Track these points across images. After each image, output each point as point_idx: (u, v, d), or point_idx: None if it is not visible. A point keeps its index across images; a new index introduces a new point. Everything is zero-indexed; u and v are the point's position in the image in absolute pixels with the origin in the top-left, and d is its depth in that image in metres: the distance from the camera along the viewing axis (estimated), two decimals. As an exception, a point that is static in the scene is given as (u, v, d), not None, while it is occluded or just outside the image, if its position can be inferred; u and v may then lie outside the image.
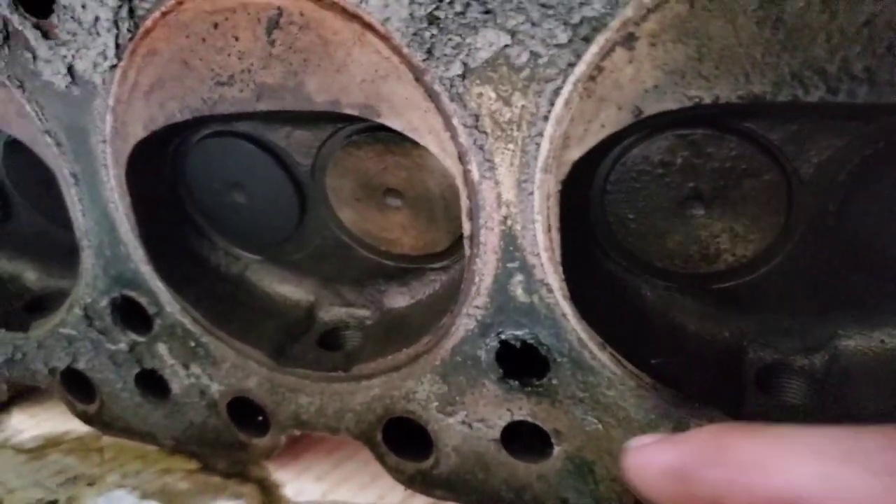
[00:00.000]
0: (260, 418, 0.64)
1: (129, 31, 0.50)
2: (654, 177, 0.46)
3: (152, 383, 0.66)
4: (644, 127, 0.44)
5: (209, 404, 0.65)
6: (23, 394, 0.78)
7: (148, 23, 0.49)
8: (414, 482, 0.59)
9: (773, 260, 0.47)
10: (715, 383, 0.49)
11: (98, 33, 0.51)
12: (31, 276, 0.78)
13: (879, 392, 0.46)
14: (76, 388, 0.71)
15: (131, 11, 0.49)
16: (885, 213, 0.43)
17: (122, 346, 0.66)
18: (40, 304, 0.75)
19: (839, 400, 0.47)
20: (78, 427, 0.74)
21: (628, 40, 0.39)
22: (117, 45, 0.51)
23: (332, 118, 0.51)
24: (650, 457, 0.37)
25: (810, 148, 0.43)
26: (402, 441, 0.58)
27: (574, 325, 0.47)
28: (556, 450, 0.52)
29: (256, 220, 0.60)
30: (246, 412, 0.64)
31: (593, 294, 0.48)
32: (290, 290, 0.64)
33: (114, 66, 0.52)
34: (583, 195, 0.48)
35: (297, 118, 0.53)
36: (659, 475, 0.36)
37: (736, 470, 0.33)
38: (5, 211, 0.75)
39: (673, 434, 0.40)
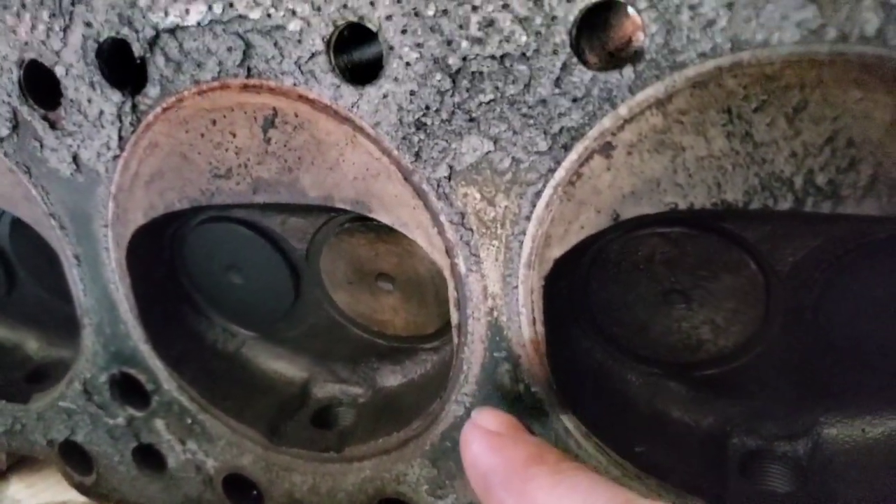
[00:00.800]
0: (255, 493, 0.64)
1: (131, 124, 0.52)
2: (636, 271, 0.47)
3: (149, 457, 0.67)
4: (623, 227, 0.45)
5: (205, 479, 0.65)
6: (21, 463, 0.79)
7: (150, 117, 0.51)
8: (405, 562, 0.59)
9: (754, 350, 0.49)
10: (698, 471, 0.49)
11: (102, 126, 0.53)
12: (32, 345, 0.79)
13: (861, 482, 0.47)
14: (74, 459, 0.72)
15: (134, 107, 0.51)
16: (860, 308, 0.44)
17: (120, 420, 0.67)
18: (41, 374, 0.76)
19: (822, 488, 0.48)
20: (75, 497, 0.74)
21: (606, 149, 0.40)
22: (120, 137, 0.53)
23: (326, 208, 0.53)
24: (475, 445, 0.39)
25: (786, 247, 0.44)
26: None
27: (560, 414, 0.48)
28: (545, 534, 0.53)
29: (253, 299, 0.61)
30: (241, 488, 0.64)
31: (579, 383, 0.49)
32: (284, 366, 0.65)
33: (116, 157, 0.54)
34: (567, 286, 0.49)
35: (293, 207, 0.55)
36: (472, 465, 0.39)
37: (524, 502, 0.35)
38: (10, 282, 0.77)
39: (510, 427, 0.40)
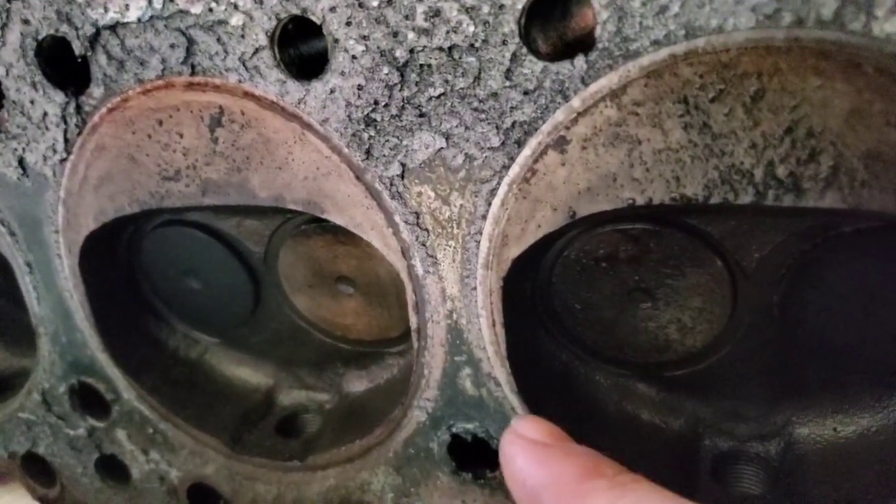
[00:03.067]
0: (221, 503, 0.63)
1: (76, 126, 0.50)
2: (598, 270, 0.46)
3: (112, 468, 0.65)
4: (582, 224, 0.44)
5: (169, 490, 0.63)
6: (-16, 476, 0.77)
7: (95, 119, 0.49)
8: (374, 571, 0.57)
9: (723, 349, 0.47)
10: (668, 473, 0.48)
11: (47, 128, 0.51)
12: (-6, 355, 0.77)
13: (833, 481, 0.45)
14: (37, 472, 0.70)
15: (78, 108, 0.49)
16: (827, 304, 0.43)
17: (82, 431, 0.65)
18: (4, 385, 0.74)
19: (794, 488, 0.46)
20: (40, 510, 0.72)
21: (560, 144, 0.39)
22: (66, 140, 0.51)
23: (281, 210, 0.51)
24: (519, 458, 0.35)
25: (751, 243, 0.43)
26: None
27: (523, 418, 0.46)
28: (513, 542, 0.51)
29: (213, 304, 0.60)
30: (207, 497, 0.63)
31: (543, 385, 0.48)
32: (248, 373, 0.63)
33: (64, 160, 0.52)
34: (529, 286, 0.48)
35: (247, 209, 0.53)
36: (517, 480, 0.35)
37: None
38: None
39: (555, 437, 0.36)
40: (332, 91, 0.42)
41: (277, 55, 0.42)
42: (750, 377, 0.48)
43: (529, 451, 0.35)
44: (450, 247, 0.44)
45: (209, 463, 0.60)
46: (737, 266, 0.44)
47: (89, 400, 0.63)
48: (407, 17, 0.38)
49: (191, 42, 0.43)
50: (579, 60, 0.36)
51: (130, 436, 0.63)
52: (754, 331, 0.46)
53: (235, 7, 0.41)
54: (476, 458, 0.50)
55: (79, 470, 0.67)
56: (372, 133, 0.42)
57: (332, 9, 0.39)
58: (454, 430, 0.49)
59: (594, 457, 0.35)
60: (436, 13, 0.38)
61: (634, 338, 0.48)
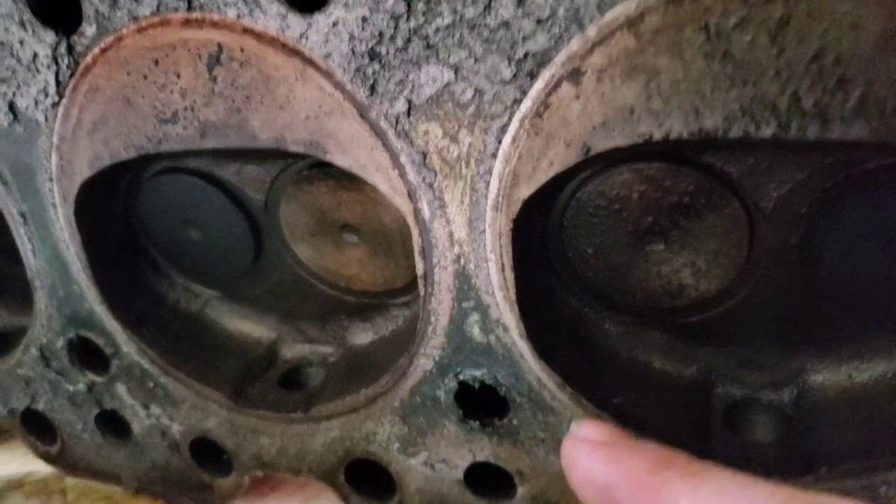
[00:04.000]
0: (224, 458, 0.62)
1: (68, 67, 0.48)
2: (612, 212, 0.44)
3: (113, 424, 0.65)
4: (596, 162, 0.42)
5: (171, 445, 0.63)
6: (-16, 434, 0.76)
7: (88, 59, 0.47)
8: (380, 523, 0.57)
9: (738, 294, 0.46)
10: (681, 421, 0.47)
11: (38, 70, 0.49)
12: (-8, 313, 0.76)
13: (848, 428, 0.45)
14: (37, 428, 0.69)
15: (70, 48, 0.47)
16: (848, 246, 0.42)
17: (81, 386, 0.64)
18: (2, 342, 0.73)
19: (807, 436, 0.46)
20: (41, 468, 0.72)
21: (574, 75, 0.37)
22: (58, 82, 0.49)
23: (282, 153, 0.50)
24: (585, 459, 0.36)
25: (770, 181, 0.41)
26: (366, 481, 0.57)
27: (532, 364, 0.45)
28: (520, 490, 0.50)
29: (213, 255, 0.58)
30: (210, 452, 0.62)
31: (552, 332, 0.47)
32: (250, 326, 0.62)
33: (56, 104, 0.50)
34: (539, 230, 0.47)
35: (247, 154, 0.52)
36: (587, 482, 0.35)
37: None
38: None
39: (618, 436, 0.37)
40: (334, 24, 0.40)
41: (277, -14, 0.40)
42: (764, 324, 0.47)
43: (595, 451, 0.36)
44: (458, 188, 0.42)
45: (211, 417, 0.59)
46: (755, 207, 0.42)
47: (88, 354, 0.62)
48: (414, -59, 0.36)
49: (186, -26, 0.42)
50: (596, -15, 0.35)
51: (131, 390, 0.62)
52: (771, 275, 0.44)
53: (233, -66, 0.39)
54: (483, 406, 0.49)
55: (79, 426, 0.66)
56: (376, 67, 0.40)
57: (335, -67, 0.37)
58: (461, 377, 0.48)
59: (663, 449, 0.35)
60: (444, -64, 0.36)
61: (647, 283, 0.47)
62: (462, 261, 0.44)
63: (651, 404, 0.48)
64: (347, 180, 0.50)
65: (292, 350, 0.61)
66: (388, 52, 0.40)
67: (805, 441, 0.45)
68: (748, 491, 0.30)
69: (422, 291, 0.47)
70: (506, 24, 0.37)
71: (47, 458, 0.70)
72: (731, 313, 0.47)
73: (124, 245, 0.59)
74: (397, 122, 0.41)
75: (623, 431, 0.38)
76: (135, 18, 0.44)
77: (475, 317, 0.46)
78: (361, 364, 0.57)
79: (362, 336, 0.59)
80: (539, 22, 0.36)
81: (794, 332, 0.47)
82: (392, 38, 0.39)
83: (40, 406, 0.67)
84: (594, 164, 0.43)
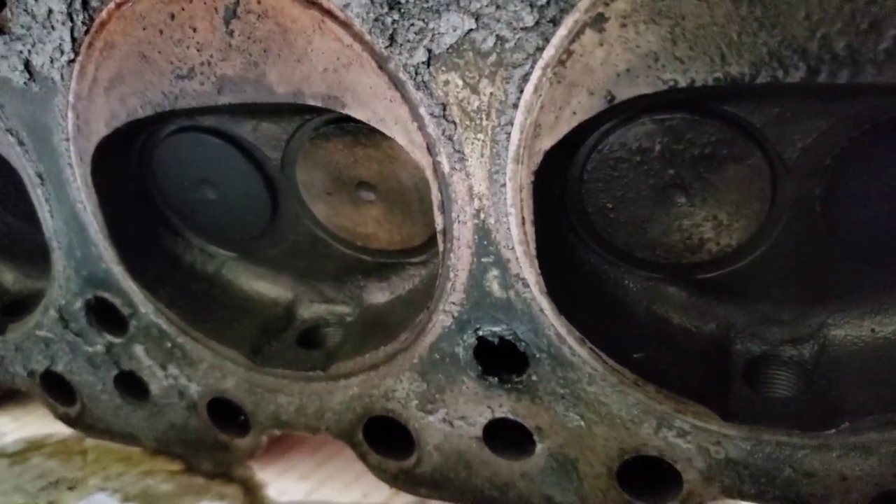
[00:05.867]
0: (242, 418, 0.62)
1: (83, 23, 0.48)
2: (633, 164, 0.44)
3: (131, 385, 0.65)
4: (619, 113, 0.42)
5: (189, 405, 0.63)
6: (5, 397, 0.77)
7: (103, 15, 0.47)
8: (397, 480, 0.57)
9: (759, 248, 0.45)
10: (700, 377, 0.47)
11: (53, 27, 0.49)
12: (8, 277, 0.76)
13: (870, 382, 0.44)
14: (57, 390, 0.70)
15: (85, 3, 0.47)
16: (872, 197, 0.41)
17: (99, 347, 0.64)
18: (19, 306, 0.73)
19: (828, 391, 0.46)
20: (61, 430, 0.72)
21: (598, 21, 0.36)
22: (73, 39, 0.49)
23: (299, 110, 0.49)
24: None
25: (794, 131, 0.41)
26: (384, 439, 0.57)
27: (552, 320, 0.45)
28: (539, 447, 0.51)
29: (229, 216, 0.58)
30: (228, 412, 0.62)
31: (572, 288, 0.46)
32: (267, 287, 0.62)
33: (71, 61, 0.50)
34: (559, 186, 0.46)
35: (263, 111, 0.51)
36: None
37: None
38: (-22, 211, 0.74)
39: None
40: (353, -29, 0.39)
41: (295, -67, 0.39)
42: (785, 279, 0.47)
43: None
44: (478, 140, 0.42)
45: (229, 376, 0.59)
46: (778, 158, 0.42)
47: (106, 315, 0.62)
48: None
49: (202, -78, 0.41)
50: (621, -75, 0.34)
51: (148, 351, 0.62)
52: (793, 228, 0.44)
53: None
54: (502, 362, 0.49)
55: (98, 387, 0.67)
56: (396, 17, 0.40)
57: None
58: (480, 332, 0.48)
59: None
60: None
61: (667, 237, 0.46)
62: (482, 215, 0.44)
63: (670, 360, 0.48)
64: (364, 136, 0.50)
65: (309, 310, 0.61)
66: (407, 1, 0.39)
67: (826, 395, 0.45)
68: None
69: (441, 247, 0.46)
70: (528, -31, 0.36)
71: (66, 419, 0.71)
72: (752, 268, 0.47)
73: (140, 206, 0.59)
74: (417, 73, 0.41)
75: None
76: (150, -29, 0.44)
77: (495, 272, 0.46)
78: (379, 323, 0.57)
79: (379, 295, 0.59)
80: (562, -34, 0.36)
81: (815, 287, 0.47)
82: (412, -15, 0.39)
83: (59, 368, 0.68)
84: (616, 114, 0.42)
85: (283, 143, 0.53)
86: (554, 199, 0.46)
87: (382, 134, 0.45)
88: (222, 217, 0.58)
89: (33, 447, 0.72)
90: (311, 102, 0.45)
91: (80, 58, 0.50)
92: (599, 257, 0.49)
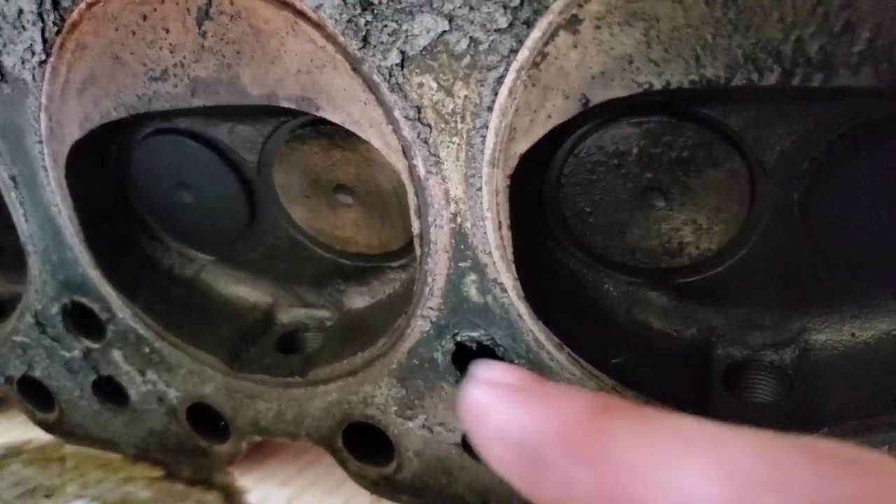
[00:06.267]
0: (222, 424, 0.62)
1: (55, 23, 0.47)
2: (610, 168, 0.44)
3: (110, 390, 0.64)
4: (595, 116, 0.41)
5: (168, 411, 0.62)
6: (-17, 402, 0.76)
7: (74, 15, 0.46)
8: (378, 487, 0.57)
9: (739, 252, 0.45)
10: (680, 382, 0.47)
11: (23, 27, 0.48)
12: (-14, 281, 0.75)
13: (850, 387, 0.44)
14: (34, 396, 0.69)
15: (55, 3, 0.46)
16: (852, 201, 0.41)
17: (77, 353, 0.63)
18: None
19: (808, 395, 0.45)
20: (40, 436, 0.72)
21: (572, 23, 0.36)
22: (44, 40, 0.48)
23: (274, 112, 0.49)
24: (499, 408, 0.26)
25: (771, 134, 0.40)
26: (364, 446, 0.56)
27: (530, 325, 0.45)
28: (519, 453, 0.50)
29: (206, 219, 0.57)
30: (208, 418, 0.62)
31: (550, 292, 0.46)
32: (246, 291, 0.61)
33: (43, 62, 0.49)
34: (536, 189, 0.46)
35: (238, 113, 0.51)
36: (499, 437, 0.26)
37: (611, 472, 0.23)
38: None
39: (535, 380, 0.27)
40: (325, -28, 0.39)
41: (266, -67, 0.39)
42: (765, 283, 0.46)
43: (511, 397, 0.26)
44: (453, 143, 0.41)
45: (208, 382, 0.59)
46: (756, 161, 0.41)
47: (83, 320, 0.61)
48: None
49: (172, -78, 0.40)
50: (594, -74, 0.34)
51: (126, 356, 0.61)
52: (772, 232, 0.44)
53: None
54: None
55: (76, 393, 0.66)
56: (369, 18, 0.39)
57: None
58: (459, 338, 0.47)
59: (598, 393, 0.27)
60: None
61: (647, 242, 0.46)
62: (458, 219, 0.43)
63: (650, 365, 0.47)
64: (341, 139, 0.49)
65: (289, 315, 0.61)
66: (380, 2, 0.39)
67: (807, 400, 0.45)
68: (716, 435, 0.23)
69: (418, 251, 0.46)
70: (501, -30, 0.36)
71: (45, 425, 0.70)
72: (732, 273, 0.46)
73: (117, 209, 0.59)
74: (391, 75, 0.40)
75: (539, 376, 0.28)
76: (121, -29, 0.43)
77: (472, 277, 0.45)
78: (359, 328, 0.57)
79: (359, 300, 0.58)
80: (535, -33, 0.35)
81: (795, 292, 0.46)
82: (384, -14, 0.38)
83: (37, 373, 0.67)
84: (593, 117, 0.42)
85: (260, 145, 0.52)
86: (531, 203, 0.45)
87: (359, 137, 0.45)
88: (200, 220, 0.58)
89: (11, 454, 0.71)
90: (285, 104, 0.44)
91: (51, 59, 0.49)
92: (578, 261, 0.48)
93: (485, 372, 0.28)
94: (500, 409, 0.26)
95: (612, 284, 0.49)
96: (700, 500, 0.21)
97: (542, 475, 0.25)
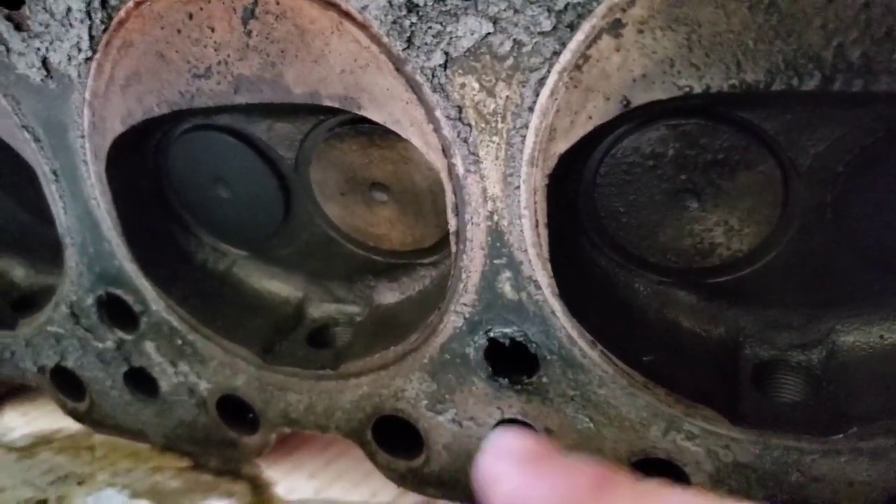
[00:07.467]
0: (250, 416, 0.63)
1: (102, 22, 0.48)
2: (646, 169, 0.44)
3: (141, 381, 0.65)
4: (633, 118, 0.42)
5: (198, 402, 0.64)
6: (14, 392, 0.77)
7: (121, 13, 0.47)
8: (405, 480, 0.58)
9: (770, 254, 0.46)
10: (709, 381, 0.47)
11: (71, 24, 0.49)
12: (18, 273, 0.77)
13: (879, 387, 0.45)
14: (66, 385, 0.70)
15: (103, 2, 0.48)
16: (885, 204, 0.41)
17: (110, 343, 0.65)
18: (29, 302, 0.74)
19: (838, 395, 0.46)
20: (70, 425, 0.73)
21: (615, 27, 0.37)
22: (91, 37, 0.49)
23: (314, 110, 0.50)
24: (510, 477, 0.29)
25: (807, 138, 0.41)
26: (393, 439, 0.57)
27: (563, 322, 0.46)
28: (548, 449, 0.51)
29: (242, 215, 0.58)
30: (237, 410, 0.63)
31: (583, 290, 0.47)
32: (278, 286, 0.62)
33: (89, 59, 0.50)
34: (572, 189, 0.46)
35: (279, 110, 0.52)
36: (511, 501, 0.29)
37: None
38: (-10, 207, 0.74)
39: (546, 449, 0.30)
40: (372, -25, 0.40)
41: (315, -64, 0.40)
42: (795, 284, 0.47)
43: (522, 467, 0.29)
44: (493, 143, 0.42)
45: (239, 374, 0.60)
46: (790, 164, 0.42)
47: (117, 312, 0.63)
48: None
49: (223, -76, 0.41)
50: (640, -67, 0.34)
51: (159, 348, 0.62)
52: (804, 234, 0.44)
53: None
54: (512, 364, 0.49)
55: (108, 383, 0.67)
56: (414, 19, 0.40)
57: None
58: (492, 334, 0.48)
59: (603, 467, 0.29)
60: None
61: (679, 242, 0.47)
62: (495, 217, 0.44)
63: (680, 364, 0.48)
64: (379, 137, 0.50)
65: (319, 309, 0.62)
66: (426, 4, 0.40)
67: (835, 401, 0.45)
68: None
69: (453, 248, 0.47)
70: (547, -26, 0.37)
71: (75, 415, 0.72)
72: (762, 274, 0.47)
73: (154, 203, 0.60)
74: (433, 76, 0.41)
75: (551, 444, 0.31)
76: (169, -29, 0.44)
77: (507, 274, 0.46)
78: (389, 323, 0.58)
79: (389, 296, 0.59)
80: (581, -28, 0.36)
81: (824, 293, 0.47)
82: (430, -11, 0.39)
83: (69, 363, 0.68)
84: (630, 119, 0.42)
85: (298, 143, 0.53)
86: (567, 202, 0.46)
87: (397, 135, 0.46)
88: (235, 216, 0.59)
89: (42, 442, 0.73)
90: (328, 103, 0.45)
91: (97, 56, 0.50)
92: (611, 261, 0.49)
93: (500, 439, 0.31)
94: (513, 478, 0.29)
95: (643, 284, 0.50)
96: None
97: None
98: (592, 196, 0.47)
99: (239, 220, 0.59)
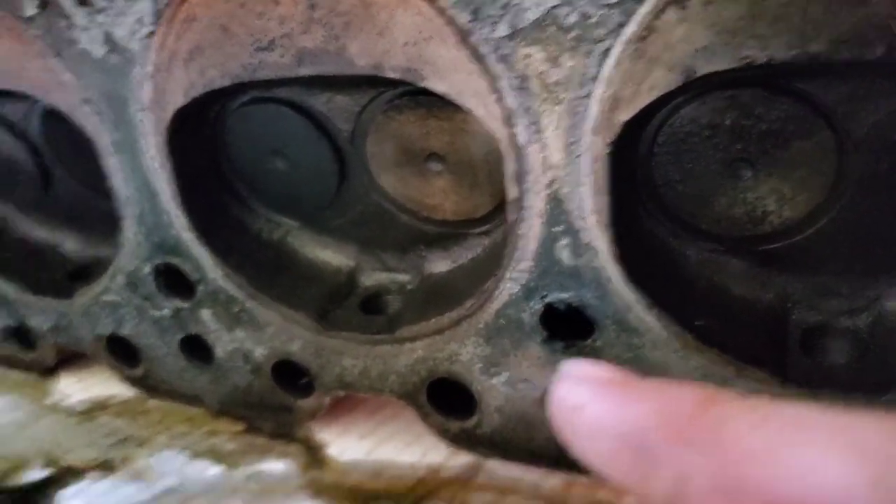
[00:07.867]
0: (304, 380, 0.65)
1: (167, -3, 0.50)
2: (702, 138, 0.45)
3: (197, 348, 0.68)
4: (692, 88, 0.43)
5: (253, 368, 0.66)
6: (70, 359, 0.80)
7: (187, -11, 0.49)
8: (458, 440, 0.60)
9: (820, 221, 0.47)
10: (759, 345, 0.49)
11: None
12: (71, 245, 0.79)
13: (927, 352, 0.46)
14: (121, 353, 0.73)
15: (169, -22, 0.49)
16: (940, 172, 0.42)
17: (166, 312, 0.67)
18: (82, 273, 0.76)
19: (885, 358, 0.47)
20: (124, 391, 0.75)
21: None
22: (155, 11, 0.51)
23: (373, 82, 0.51)
24: (595, 403, 0.25)
25: (864, 108, 0.42)
26: (445, 400, 0.59)
27: (619, 287, 0.47)
28: (600, 410, 0.53)
29: (297, 186, 0.60)
30: (289, 375, 0.65)
31: (640, 257, 0.48)
32: (330, 255, 0.64)
33: (152, 33, 0.52)
34: (629, 158, 0.48)
35: (338, 83, 0.53)
36: (598, 431, 0.25)
37: (731, 457, 0.22)
38: (45, 180, 0.76)
39: (626, 374, 0.27)
40: (440, -52, 0.41)
41: (384, -90, 0.41)
42: (844, 251, 0.48)
43: (607, 391, 0.26)
44: (556, 112, 0.43)
45: (295, 339, 0.62)
46: (845, 134, 0.43)
47: (174, 281, 0.65)
48: None
49: None
50: None
51: (215, 315, 0.64)
52: (855, 203, 0.45)
53: None
54: (567, 328, 0.51)
55: (163, 350, 0.70)
56: (481, -8, 0.41)
57: None
58: (548, 299, 0.50)
59: (699, 384, 0.26)
60: None
61: (732, 210, 0.48)
62: (555, 185, 0.46)
63: (730, 329, 0.50)
64: (437, 109, 0.51)
65: (371, 278, 0.63)
66: (493, -23, 0.41)
67: (882, 363, 0.47)
68: (838, 417, 0.22)
69: (512, 217, 0.48)
70: (615, -53, 0.38)
71: (132, 381, 0.74)
72: (812, 241, 0.48)
73: (210, 175, 0.61)
74: (498, 47, 0.43)
75: (627, 370, 0.27)
76: (235, -53, 0.46)
77: (565, 241, 0.47)
78: (441, 291, 0.59)
79: (441, 265, 0.61)
80: (650, -56, 0.37)
81: (873, 260, 0.48)
82: (498, -38, 0.40)
83: (125, 331, 0.70)
84: (690, 88, 0.43)
85: (356, 115, 0.54)
86: (625, 171, 0.47)
87: (455, 106, 0.47)
88: (290, 187, 0.60)
89: (98, 407, 0.75)
90: (391, 75, 0.46)
91: (160, 30, 0.51)
92: (665, 229, 0.50)
93: (576, 367, 0.28)
94: (599, 404, 0.26)
95: (695, 251, 0.51)
96: (836, 481, 0.20)
97: (652, 467, 0.24)
98: (649, 166, 0.48)
99: (294, 191, 0.60)
